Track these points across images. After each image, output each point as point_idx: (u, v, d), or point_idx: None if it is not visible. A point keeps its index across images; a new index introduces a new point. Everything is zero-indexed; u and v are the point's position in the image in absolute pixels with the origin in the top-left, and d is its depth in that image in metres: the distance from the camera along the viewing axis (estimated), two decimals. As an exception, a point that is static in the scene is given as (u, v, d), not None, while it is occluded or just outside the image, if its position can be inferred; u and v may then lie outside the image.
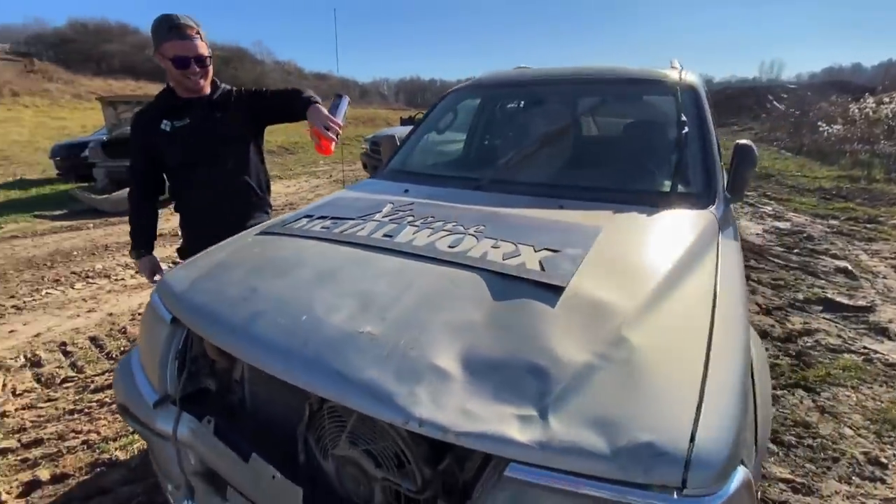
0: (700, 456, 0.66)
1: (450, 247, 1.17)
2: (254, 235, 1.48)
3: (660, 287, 0.98)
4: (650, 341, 0.84)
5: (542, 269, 1.03)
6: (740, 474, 0.69)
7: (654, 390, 0.75)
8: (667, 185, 1.51)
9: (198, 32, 1.64)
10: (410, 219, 1.37)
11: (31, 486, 1.78)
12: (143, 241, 1.85)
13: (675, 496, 0.63)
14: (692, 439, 0.67)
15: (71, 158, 8.23)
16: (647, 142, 1.80)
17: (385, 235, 1.27)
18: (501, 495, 0.70)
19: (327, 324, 0.95)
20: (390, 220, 1.38)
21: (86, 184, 7.65)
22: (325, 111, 1.68)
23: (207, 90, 1.73)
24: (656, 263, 1.07)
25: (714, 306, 0.95)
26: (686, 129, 1.61)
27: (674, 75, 1.87)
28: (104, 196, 6.55)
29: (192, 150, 1.73)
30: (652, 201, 1.44)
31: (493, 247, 1.15)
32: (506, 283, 1.01)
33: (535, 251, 1.12)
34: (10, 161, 11.81)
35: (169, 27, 1.59)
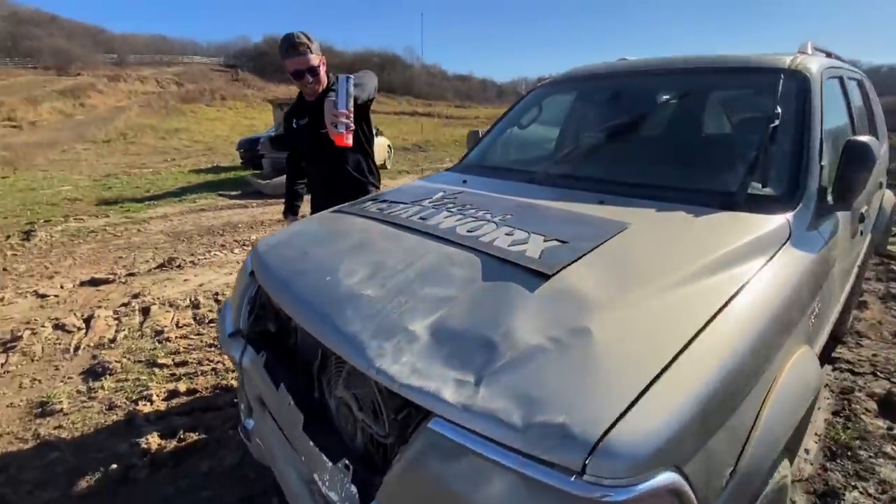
0: (611, 446, 0.65)
1: (468, 231, 1.24)
2: (329, 212, 1.74)
3: (656, 288, 0.92)
4: (614, 336, 0.81)
5: (539, 257, 1.05)
6: (664, 477, 0.65)
7: (593, 380, 0.74)
8: (737, 185, 1.33)
9: (309, 48, 1.95)
10: (451, 205, 1.47)
11: (172, 394, 2.36)
12: (289, 208, 2.34)
13: (573, 479, 0.64)
14: (609, 430, 0.66)
15: (250, 150, 10.16)
16: (730, 136, 1.59)
17: (420, 218, 1.40)
18: (419, 444, 0.78)
19: (342, 285, 1.12)
20: (433, 205, 1.51)
21: (258, 171, 9.37)
22: (332, 105, 1.72)
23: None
24: (667, 265, 1.00)
25: (714, 317, 0.86)
26: (776, 123, 1.39)
27: (782, 62, 1.61)
28: (267, 181, 7.99)
29: (306, 144, 2.15)
30: (713, 202, 1.29)
31: (507, 234, 1.19)
32: (500, 267, 1.06)
33: (545, 241, 1.13)
34: (212, 151, 14.99)
35: (287, 46, 1.94)
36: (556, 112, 2.39)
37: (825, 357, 2.66)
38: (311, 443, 1.02)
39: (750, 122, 1.56)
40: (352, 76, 1.87)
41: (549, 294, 0.94)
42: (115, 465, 1.88)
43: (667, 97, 1.68)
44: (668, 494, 0.65)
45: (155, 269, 4.15)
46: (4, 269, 4.11)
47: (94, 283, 3.80)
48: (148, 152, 14.50)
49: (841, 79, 1.89)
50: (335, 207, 1.80)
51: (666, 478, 0.65)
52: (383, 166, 10.58)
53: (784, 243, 1.13)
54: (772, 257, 1.07)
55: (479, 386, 0.77)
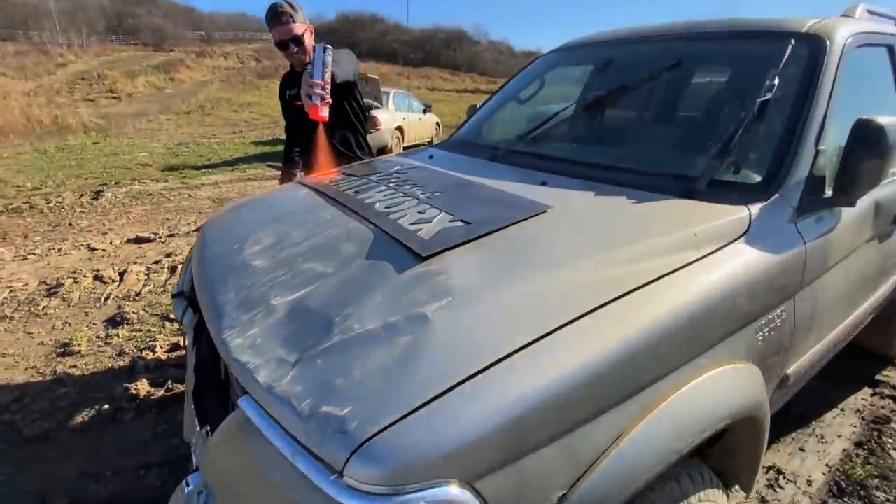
0: (377, 447, 0.58)
1: (385, 208, 1.17)
2: (290, 183, 1.74)
3: (539, 277, 0.81)
4: (452, 327, 0.73)
5: (429, 237, 0.96)
6: (436, 492, 0.57)
7: (400, 372, 0.66)
8: (701, 170, 1.13)
9: (292, 17, 1.90)
10: (394, 181, 1.41)
11: (174, 348, 2.55)
12: (286, 176, 2.34)
13: (332, 478, 0.58)
14: (385, 429, 0.59)
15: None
16: (714, 114, 1.35)
17: (354, 192, 1.34)
18: (230, 419, 0.75)
19: (241, 254, 1.11)
20: (379, 180, 1.44)
21: (310, 144, 9.69)
22: (308, 76, 1.66)
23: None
24: (566, 253, 0.88)
25: (587, 315, 0.73)
26: (766, 97, 1.16)
27: (799, 26, 1.34)
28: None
29: (294, 114, 2.13)
30: (672, 187, 1.12)
31: (419, 212, 1.11)
32: (388, 246, 0.98)
33: (450, 221, 1.04)
34: (276, 125, 15.69)
35: (271, 16, 1.91)
36: (559, 86, 2.20)
37: (864, 378, 2.30)
38: (192, 406, 1.03)
39: (741, 97, 1.31)
40: (329, 47, 1.82)
41: (414, 277, 0.86)
42: (107, 406, 2.07)
43: (656, 69, 1.46)
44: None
45: (193, 231, 4.45)
46: (70, 224, 4.63)
47: (137, 241, 4.17)
48: (220, 124, 15.54)
49: (891, 48, 1.54)
50: (300, 178, 1.80)
51: (440, 493, 0.57)
52: (431, 143, 10.56)
53: (733, 239, 0.95)
54: (708, 254, 0.90)
55: (294, 367, 0.72)
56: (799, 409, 2.11)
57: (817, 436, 1.96)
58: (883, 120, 1.04)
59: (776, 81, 1.19)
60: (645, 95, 1.52)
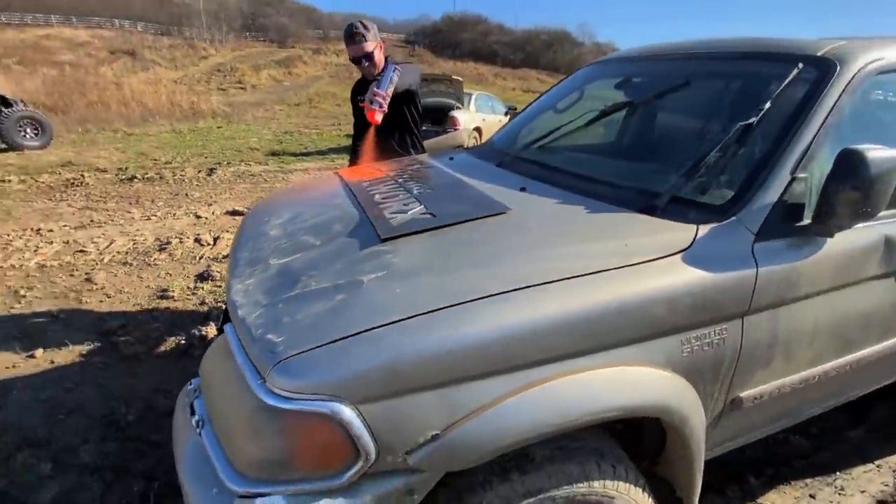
0: (291, 365, 0.80)
1: (381, 198, 1.39)
2: (332, 173, 2.03)
3: (467, 264, 0.98)
4: (379, 292, 0.92)
5: (396, 224, 1.16)
6: (327, 406, 0.77)
7: (327, 318, 0.87)
8: (667, 187, 1.19)
9: (364, 36, 2.23)
10: (405, 178, 1.62)
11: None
12: (352, 165, 2.69)
13: (258, 381, 0.81)
14: (297, 354, 0.81)
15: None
16: (702, 134, 1.35)
17: (368, 183, 1.58)
18: (217, 340, 1.02)
19: (265, 224, 1.40)
20: (395, 176, 1.67)
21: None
22: (375, 85, 2.06)
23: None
24: (501, 248, 1.02)
25: (493, 296, 0.88)
26: (751, 120, 1.18)
27: (814, 48, 1.30)
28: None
29: (360, 115, 2.45)
30: (637, 202, 1.19)
31: (404, 204, 1.31)
32: (366, 228, 1.20)
33: (421, 213, 1.22)
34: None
35: (347, 36, 2.27)
36: (597, 98, 2.25)
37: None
38: (216, 332, 1.34)
39: (731, 119, 1.30)
40: (399, 67, 2.19)
41: (369, 253, 1.06)
42: (183, 341, 2.56)
43: (661, 87, 1.49)
44: (328, 421, 0.77)
45: (278, 210, 5.10)
46: (186, 194, 5.54)
47: (234, 213, 4.88)
48: (323, 116, 16.98)
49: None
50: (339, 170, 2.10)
51: (324, 406, 0.77)
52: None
53: (668, 254, 1.02)
54: (633, 264, 0.98)
55: (263, 308, 0.97)
56: (826, 457, 1.96)
57: (836, 487, 1.82)
58: (868, 149, 1.02)
59: (766, 105, 1.19)
60: (645, 112, 1.55)
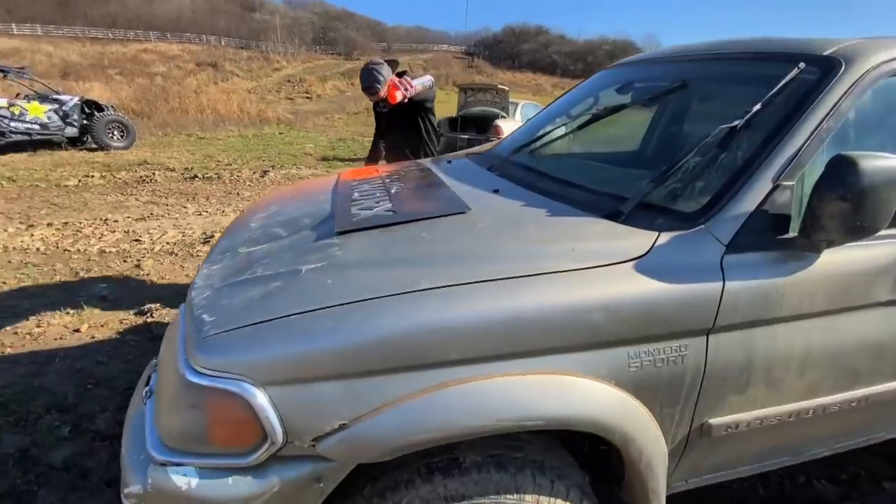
0: (210, 345, 0.84)
1: (359, 196, 1.43)
2: (332, 174, 2.11)
3: (399, 260, 0.98)
4: (310, 282, 0.94)
5: (353, 220, 1.18)
6: (236, 385, 0.80)
7: (259, 302, 0.91)
8: (636, 192, 1.12)
9: (378, 88, 2.44)
10: (392, 178, 1.65)
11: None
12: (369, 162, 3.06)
13: (185, 357, 0.86)
14: (217, 334, 0.85)
15: (440, 129, 11.39)
16: (689, 138, 1.25)
17: (356, 183, 1.63)
18: (173, 319, 1.08)
19: (252, 217, 1.48)
20: (385, 176, 1.70)
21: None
22: (410, 78, 2.40)
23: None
24: (446, 244, 1.02)
25: (422, 291, 0.88)
26: (737, 124, 1.09)
27: (821, 48, 1.17)
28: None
29: (383, 126, 2.92)
30: (604, 206, 1.13)
31: (376, 202, 1.34)
32: (329, 223, 1.23)
33: (384, 210, 1.24)
34: (424, 128, 17.21)
35: (363, 87, 2.52)
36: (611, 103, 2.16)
37: None
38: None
39: (723, 121, 1.20)
40: (429, 82, 2.60)
41: (319, 245, 1.10)
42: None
43: (658, 91, 1.41)
44: (237, 400, 0.80)
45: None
46: (237, 193, 5.94)
47: (275, 212, 5.17)
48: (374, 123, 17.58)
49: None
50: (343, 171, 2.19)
51: (233, 385, 0.80)
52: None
53: (619, 261, 0.96)
54: (577, 269, 0.94)
55: (211, 290, 1.03)
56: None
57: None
58: (862, 156, 0.91)
59: (754, 108, 1.10)
60: (637, 117, 1.47)
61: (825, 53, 1.16)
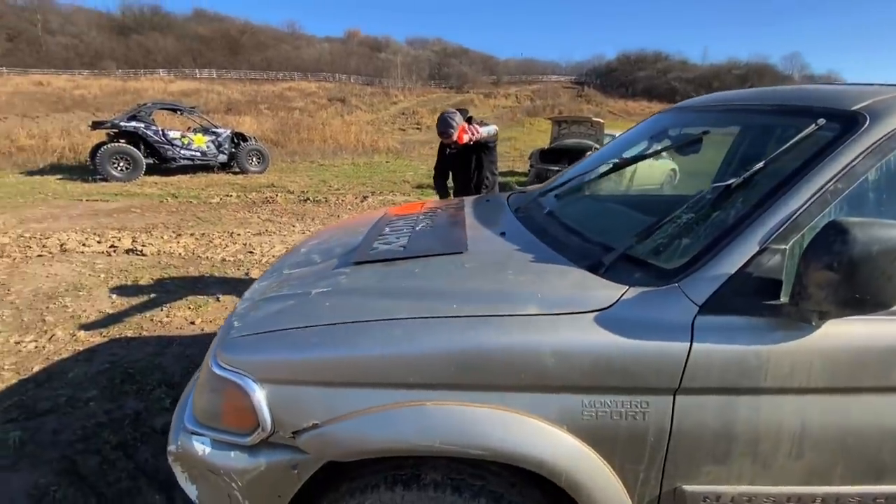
0: (229, 345, 1.08)
1: (389, 232, 1.63)
2: (383, 209, 2.37)
3: (391, 292, 1.15)
4: (314, 304, 1.15)
5: (370, 252, 1.38)
6: (240, 378, 1.02)
7: (271, 317, 1.14)
8: (623, 246, 1.14)
9: (451, 133, 2.86)
10: (425, 216, 1.84)
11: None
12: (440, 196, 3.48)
13: (214, 353, 1.11)
14: (237, 338, 1.09)
15: (532, 160, 11.48)
16: (694, 192, 1.19)
17: (394, 219, 1.85)
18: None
19: (308, 243, 1.77)
20: (421, 213, 1.90)
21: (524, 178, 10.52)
22: (479, 125, 2.86)
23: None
24: (433, 281, 1.16)
25: (396, 321, 1.03)
26: (734, 182, 1.07)
27: (856, 101, 1.09)
28: (523, 188, 8.99)
29: (453, 166, 3.29)
30: (591, 258, 1.18)
31: (395, 238, 1.53)
32: (352, 254, 1.45)
33: (398, 246, 1.43)
34: (521, 157, 17.35)
35: (438, 132, 2.93)
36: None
37: None
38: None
39: (727, 178, 1.15)
40: (493, 130, 3.05)
41: (335, 273, 1.31)
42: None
43: (683, 142, 1.39)
44: (239, 390, 1.02)
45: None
46: (338, 216, 6.68)
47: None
48: (478, 154, 18.19)
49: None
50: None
51: (240, 378, 1.03)
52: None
53: (580, 311, 1.01)
54: (537, 314, 1.01)
55: (248, 303, 1.29)
56: None
57: None
58: (858, 223, 0.86)
59: (756, 166, 1.08)
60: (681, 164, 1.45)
61: (853, 108, 1.08)
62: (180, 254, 4.74)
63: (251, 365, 1.04)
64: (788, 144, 1.08)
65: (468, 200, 2.15)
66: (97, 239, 5.17)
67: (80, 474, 1.94)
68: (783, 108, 1.26)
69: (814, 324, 0.94)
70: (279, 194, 8.17)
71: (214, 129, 10.63)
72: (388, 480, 1.07)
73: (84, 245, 4.93)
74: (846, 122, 1.05)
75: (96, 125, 9.38)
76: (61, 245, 4.89)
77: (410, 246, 1.40)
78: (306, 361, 1.02)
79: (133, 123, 9.29)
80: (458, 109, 3.07)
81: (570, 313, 1.01)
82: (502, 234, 1.45)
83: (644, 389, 0.97)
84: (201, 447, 1.08)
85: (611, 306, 1.01)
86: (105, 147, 8.96)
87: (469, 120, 3.11)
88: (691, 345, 0.96)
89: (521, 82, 51.00)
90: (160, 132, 9.59)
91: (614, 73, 48.94)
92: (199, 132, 10.38)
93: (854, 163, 0.99)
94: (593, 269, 1.13)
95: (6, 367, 2.69)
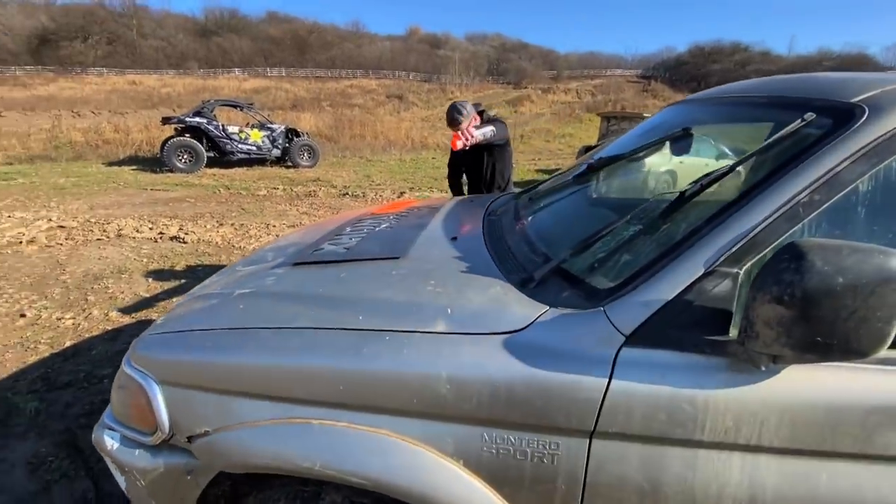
0: (141, 343, 1.07)
1: (348, 231, 1.57)
2: (365, 209, 2.31)
3: (306, 296, 1.09)
4: (234, 305, 1.11)
5: (310, 253, 1.33)
6: (140, 377, 1.01)
7: (188, 316, 1.12)
8: (561, 260, 0.99)
9: (459, 122, 2.79)
10: (392, 217, 1.76)
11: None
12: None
13: (130, 354, 1.11)
14: (148, 336, 1.08)
15: (578, 157, 10.97)
16: (662, 201, 1.00)
17: (359, 220, 1.78)
18: None
19: (276, 241, 1.75)
20: (393, 214, 1.82)
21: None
22: (474, 128, 2.66)
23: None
24: (353, 287, 1.09)
25: (296, 330, 0.97)
26: (688, 190, 0.90)
27: (858, 92, 0.87)
28: (519, 190, 8.61)
29: (465, 163, 3.17)
30: (526, 271, 1.05)
31: (348, 239, 1.46)
32: (298, 254, 1.40)
33: (342, 248, 1.36)
34: (573, 154, 16.69)
35: (447, 122, 2.84)
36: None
37: None
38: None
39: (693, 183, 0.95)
40: (492, 130, 2.83)
41: (267, 273, 1.27)
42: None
43: (658, 139, 1.20)
44: (141, 390, 1.01)
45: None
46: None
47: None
48: (528, 151, 17.79)
49: None
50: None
51: (143, 378, 1.01)
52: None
53: (491, 332, 0.89)
54: (441, 332, 0.91)
55: (186, 298, 1.29)
56: None
57: None
58: (818, 246, 0.68)
59: (717, 171, 0.89)
60: (626, 169, 1.26)
61: (854, 100, 0.86)
62: (217, 243, 5.00)
63: (154, 365, 1.02)
64: (763, 145, 0.89)
65: (457, 200, 2.04)
66: (149, 226, 5.59)
67: (78, 448, 2.07)
68: (778, 99, 1.04)
69: (763, 369, 0.76)
70: (322, 188, 8.43)
71: (270, 125, 11.17)
72: (290, 496, 1.02)
73: (137, 231, 5.35)
74: (839, 117, 0.84)
75: (165, 120, 10.19)
76: (118, 230, 5.34)
77: (355, 249, 1.33)
78: (201, 365, 0.98)
79: (197, 119, 9.99)
80: (474, 104, 2.97)
81: (476, 333, 0.89)
82: (453, 238, 1.33)
83: (552, 429, 0.84)
84: (111, 442, 1.08)
85: (523, 329, 0.88)
86: (172, 141, 9.71)
87: (481, 114, 2.99)
88: (610, 381, 0.81)
89: (582, 77, 49.17)
90: (220, 127, 10.23)
91: (685, 67, 45.75)
92: (255, 128, 10.96)
93: (839, 168, 0.78)
94: (524, 283, 1.00)
95: (43, 342, 2.95)
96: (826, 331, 0.68)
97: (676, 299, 0.81)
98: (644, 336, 0.81)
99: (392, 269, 1.15)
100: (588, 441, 0.83)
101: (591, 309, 0.86)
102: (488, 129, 2.76)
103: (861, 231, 0.80)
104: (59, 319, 3.26)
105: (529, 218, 1.37)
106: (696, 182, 0.90)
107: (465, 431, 0.86)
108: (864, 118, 0.81)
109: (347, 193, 7.94)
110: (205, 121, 10.04)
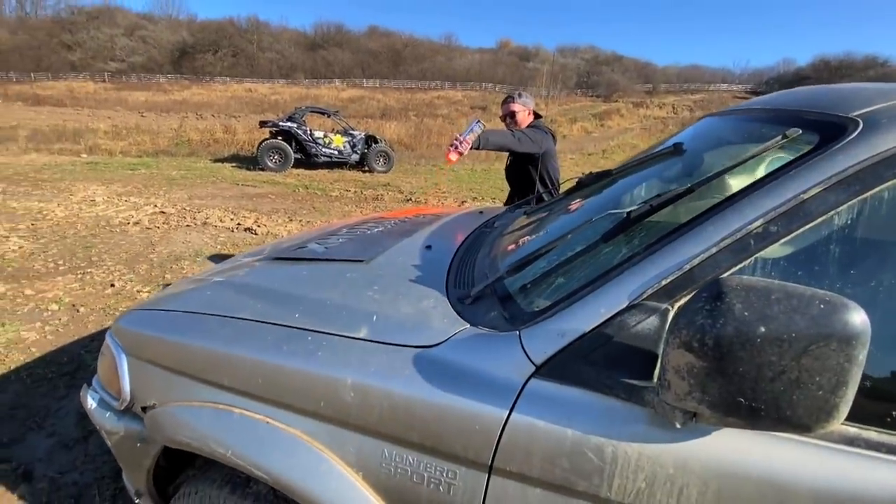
0: (121, 319, 1.18)
1: (345, 233, 1.61)
2: (374, 213, 2.34)
3: (265, 293, 1.13)
4: (206, 291, 1.19)
5: (293, 249, 1.38)
6: (114, 345, 1.12)
7: (170, 298, 1.21)
8: (497, 276, 0.92)
9: (513, 99, 2.73)
10: (396, 222, 1.77)
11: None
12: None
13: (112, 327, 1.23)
14: (127, 312, 1.19)
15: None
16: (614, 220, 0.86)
17: (361, 223, 1.81)
18: None
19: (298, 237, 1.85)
20: (399, 217, 1.83)
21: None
22: (461, 134, 2.31)
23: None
24: (307, 288, 1.11)
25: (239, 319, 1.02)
26: (638, 209, 0.80)
27: (851, 106, 0.71)
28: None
29: (508, 173, 3.04)
30: (469, 282, 1.00)
31: (336, 240, 1.50)
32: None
33: (323, 248, 1.39)
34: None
35: (504, 99, 2.79)
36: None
37: None
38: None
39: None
40: (481, 122, 2.47)
41: (250, 264, 1.34)
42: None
43: (654, 155, 1.06)
44: (112, 357, 1.11)
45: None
46: (429, 218, 6.87)
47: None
48: (606, 166, 16.93)
49: None
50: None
51: (114, 346, 1.12)
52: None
53: (406, 345, 0.86)
54: (364, 340, 0.89)
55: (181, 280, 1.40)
56: None
57: None
58: (742, 288, 0.57)
59: (672, 192, 0.78)
60: (620, 186, 1.13)
61: (853, 114, 0.71)
62: (282, 236, 5.40)
63: (126, 337, 1.12)
64: (731, 164, 0.75)
65: (468, 210, 2.01)
66: (231, 217, 6.20)
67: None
68: (777, 114, 0.88)
69: (678, 426, 0.64)
70: (389, 193, 8.75)
71: (351, 132, 11.88)
72: (224, 478, 1.05)
73: (220, 220, 5.96)
74: (826, 134, 0.69)
75: (262, 124, 11.28)
76: (205, 219, 6.00)
77: (333, 249, 1.36)
78: (158, 341, 1.06)
79: (288, 124, 10.93)
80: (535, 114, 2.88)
81: (390, 344, 0.86)
82: (428, 247, 1.31)
83: (449, 455, 0.78)
84: (91, 402, 1.20)
85: (436, 345, 0.83)
86: (266, 142, 10.72)
87: (537, 116, 2.88)
88: (510, 414, 0.73)
89: (681, 91, 45.97)
90: (308, 131, 11.09)
91: (805, 83, 40.76)
92: (339, 133, 11.71)
93: (805, 196, 0.64)
94: (461, 299, 0.95)
95: (121, 310, 3.39)
96: (748, 391, 0.56)
97: (594, 332, 0.71)
98: (555, 368, 0.73)
99: (348, 272, 1.16)
100: (487, 475, 0.76)
101: (507, 332, 0.79)
102: (475, 126, 2.43)
103: (827, 276, 0.64)
104: (138, 292, 3.72)
105: (510, 232, 1.30)
106: (646, 202, 0.79)
107: (368, 444, 0.84)
108: (853, 136, 0.65)
109: (410, 199, 8.16)
110: (295, 125, 10.95)
